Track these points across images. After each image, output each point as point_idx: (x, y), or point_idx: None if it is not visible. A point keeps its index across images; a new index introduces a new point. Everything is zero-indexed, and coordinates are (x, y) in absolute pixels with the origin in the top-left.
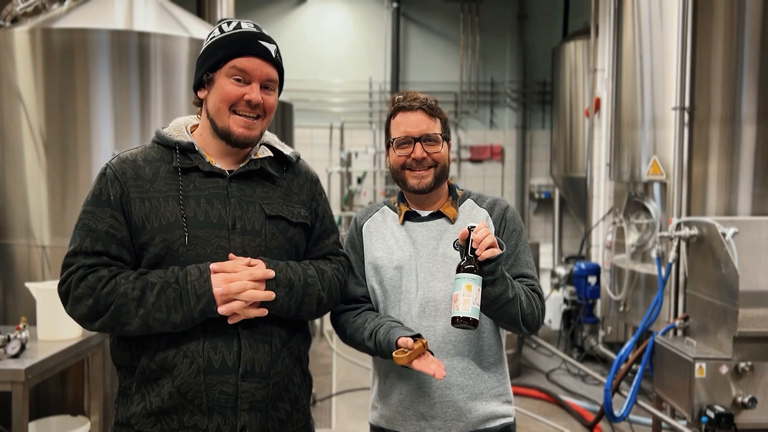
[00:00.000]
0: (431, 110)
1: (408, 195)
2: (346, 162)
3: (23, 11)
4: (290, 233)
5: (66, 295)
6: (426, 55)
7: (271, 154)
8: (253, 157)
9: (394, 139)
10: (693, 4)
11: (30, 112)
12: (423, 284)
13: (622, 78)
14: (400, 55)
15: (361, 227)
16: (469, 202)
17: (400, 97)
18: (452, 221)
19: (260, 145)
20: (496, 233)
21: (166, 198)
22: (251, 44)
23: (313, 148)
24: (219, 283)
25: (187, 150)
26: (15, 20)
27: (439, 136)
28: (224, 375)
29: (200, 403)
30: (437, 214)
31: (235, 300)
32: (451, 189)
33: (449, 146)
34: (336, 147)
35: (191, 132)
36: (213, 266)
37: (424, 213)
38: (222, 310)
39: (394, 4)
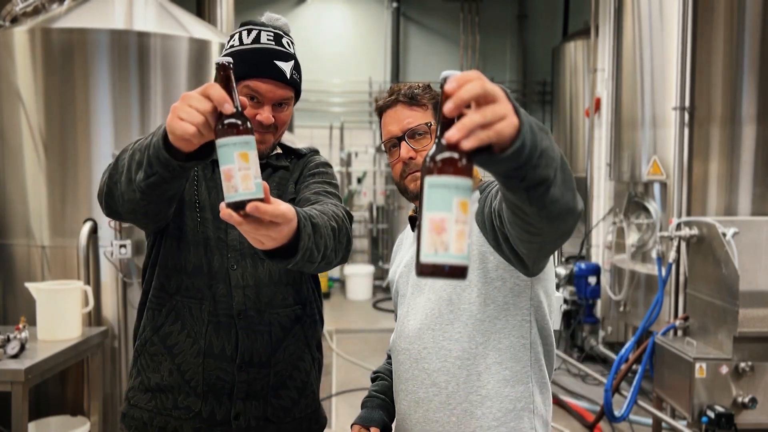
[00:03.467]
0: (412, 99)
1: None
2: (346, 162)
3: (23, 11)
4: None
5: (100, 193)
6: (426, 55)
7: (279, 150)
8: None
9: (383, 144)
10: (693, 4)
11: (30, 112)
12: (410, 300)
13: (622, 78)
14: (400, 54)
15: (397, 239)
16: (475, 194)
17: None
18: None
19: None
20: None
21: (191, 179)
22: (265, 66)
23: None
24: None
25: None
26: (15, 20)
27: (426, 126)
28: (222, 362)
29: (196, 385)
30: None
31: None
32: None
33: None
34: (336, 147)
35: None
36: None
37: None
38: (173, 126)
39: (394, 4)
